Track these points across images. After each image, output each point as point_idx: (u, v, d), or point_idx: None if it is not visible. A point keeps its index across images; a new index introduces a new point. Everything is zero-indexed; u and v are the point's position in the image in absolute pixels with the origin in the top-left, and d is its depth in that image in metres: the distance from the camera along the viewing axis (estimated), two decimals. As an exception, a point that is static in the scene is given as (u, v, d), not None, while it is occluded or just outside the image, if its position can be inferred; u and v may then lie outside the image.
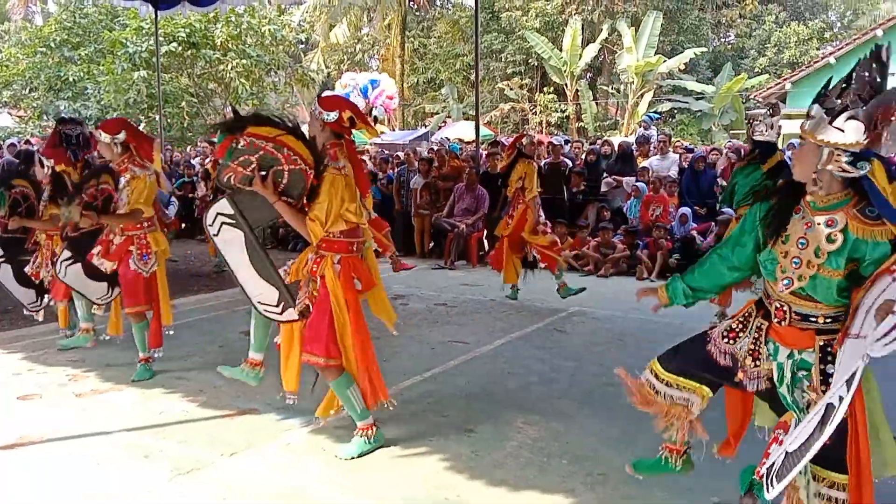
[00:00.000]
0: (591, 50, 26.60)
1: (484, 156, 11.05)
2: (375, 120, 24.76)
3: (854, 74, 2.13)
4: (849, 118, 2.09)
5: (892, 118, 2.09)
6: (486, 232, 10.03)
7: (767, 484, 2.26)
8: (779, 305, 2.32)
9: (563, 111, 28.40)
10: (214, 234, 3.65)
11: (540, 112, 28.65)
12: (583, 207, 10.00)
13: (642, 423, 2.63)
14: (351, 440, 3.55)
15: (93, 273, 4.71)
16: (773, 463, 2.27)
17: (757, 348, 2.38)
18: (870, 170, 2.11)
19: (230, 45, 20.28)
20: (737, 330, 2.45)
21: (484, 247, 10.13)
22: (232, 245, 3.65)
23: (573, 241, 9.15)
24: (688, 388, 2.51)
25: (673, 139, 14.79)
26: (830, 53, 21.28)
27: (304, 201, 3.40)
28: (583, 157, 10.96)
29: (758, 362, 2.38)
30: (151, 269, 4.65)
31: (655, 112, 24.24)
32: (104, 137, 4.50)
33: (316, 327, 3.45)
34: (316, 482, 3.24)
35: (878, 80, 2.10)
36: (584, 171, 10.17)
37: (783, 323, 2.32)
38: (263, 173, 3.32)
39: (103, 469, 3.38)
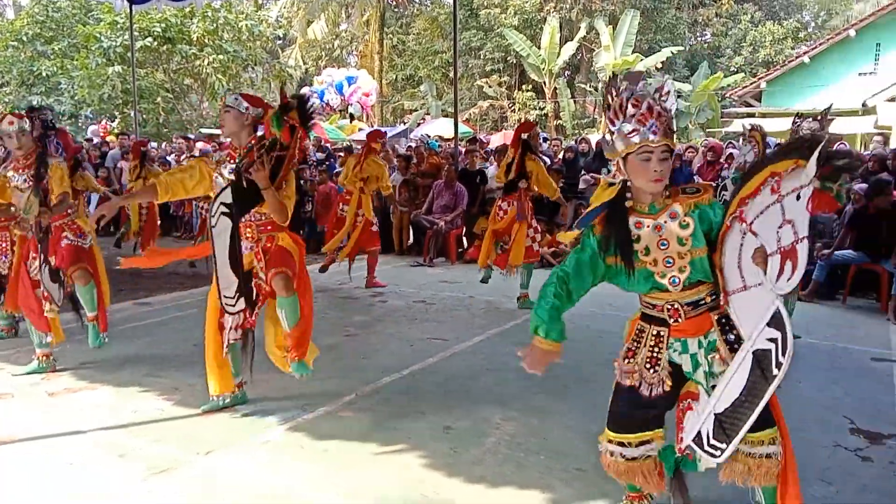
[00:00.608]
0: (570, 48, 26.69)
1: (463, 153, 11.05)
2: (352, 117, 24.66)
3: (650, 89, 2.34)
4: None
5: None
6: (464, 229, 10.05)
7: (709, 451, 2.38)
8: (669, 307, 2.43)
9: (541, 109, 28.49)
10: (213, 226, 3.66)
11: (518, 109, 28.73)
12: (561, 205, 10.01)
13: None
14: (296, 364, 3.91)
15: (52, 274, 4.62)
16: (701, 430, 2.39)
17: (655, 355, 2.47)
18: None
19: (206, 41, 20.13)
20: (633, 349, 2.53)
21: (463, 244, 10.14)
22: (222, 235, 3.68)
23: (551, 238, 9.17)
24: (647, 439, 2.53)
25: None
26: (805, 53, 21.55)
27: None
28: (561, 154, 11.00)
29: (656, 369, 2.46)
30: (89, 243, 4.70)
31: (633, 110, 24.35)
32: (22, 124, 4.44)
33: (285, 257, 3.80)
34: (293, 480, 3.23)
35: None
36: (562, 169, 10.19)
37: (680, 320, 2.43)
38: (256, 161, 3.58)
39: (77, 469, 3.33)
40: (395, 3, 33.07)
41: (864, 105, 17.75)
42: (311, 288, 4.02)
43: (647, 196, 2.39)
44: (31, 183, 4.45)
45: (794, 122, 5.32)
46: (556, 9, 28.25)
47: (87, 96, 19.62)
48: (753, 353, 2.27)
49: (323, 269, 8.01)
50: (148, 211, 8.92)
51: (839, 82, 20.08)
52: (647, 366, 2.47)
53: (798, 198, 2.13)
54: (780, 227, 2.17)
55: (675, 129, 2.39)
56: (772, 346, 2.21)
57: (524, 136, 6.49)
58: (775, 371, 2.21)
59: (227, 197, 3.64)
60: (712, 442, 2.37)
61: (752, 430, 2.34)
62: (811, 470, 3.35)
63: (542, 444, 3.61)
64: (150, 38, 18.94)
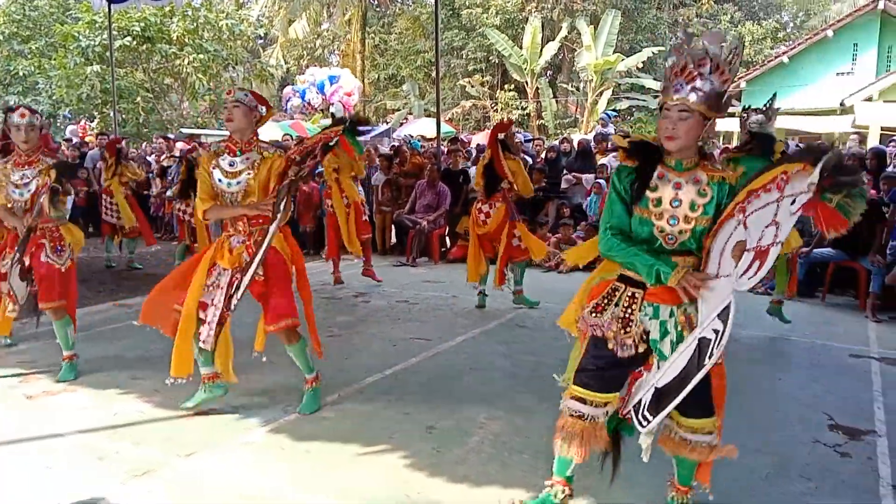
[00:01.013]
0: (551, 48, 26.76)
1: (445, 152, 11.05)
2: (333, 117, 24.56)
3: (691, 52, 2.36)
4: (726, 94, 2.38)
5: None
6: (447, 229, 10.05)
7: (640, 419, 2.47)
8: None
9: (523, 108, 28.54)
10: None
11: (501, 109, 28.74)
12: (543, 204, 10.06)
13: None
14: (305, 397, 4.02)
15: (22, 273, 4.53)
16: (641, 399, 2.46)
17: (627, 316, 2.50)
18: None
19: (186, 40, 19.95)
20: (603, 304, 2.57)
21: (446, 243, 10.14)
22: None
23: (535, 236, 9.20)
24: (609, 400, 2.57)
25: (631, 136, 14.97)
26: (784, 53, 21.75)
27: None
28: (543, 154, 11.03)
29: (627, 329, 2.49)
30: (66, 261, 4.54)
31: (614, 110, 24.49)
32: (33, 119, 4.41)
33: (284, 294, 3.81)
34: (275, 481, 3.21)
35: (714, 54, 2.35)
36: (544, 169, 10.23)
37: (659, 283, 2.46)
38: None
39: (55, 472, 3.29)
40: (376, 2, 33.02)
41: (841, 104, 17.96)
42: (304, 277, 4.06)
43: (674, 154, 2.43)
44: (27, 181, 4.40)
45: (741, 116, 5.37)
46: (537, 9, 28.30)
47: (65, 96, 19.40)
48: (699, 340, 2.33)
49: (337, 282, 7.91)
50: (133, 206, 8.88)
51: (817, 82, 20.31)
52: (619, 325, 2.50)
53: (793, 202, 2.18)
54: (767, 226, 2.22)
55: (721, 91, 2.35)
56: (713, 336, 2.29)
57: (500, 135, 6.41)
58: (706, 361, 2.28)
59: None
60: (645, 413, 2.44)
61: (694, 416, 2.45)
62: (791, 466, 3.38)
63: (527, 443, 3.61)
64: (129, 38, 18.75)
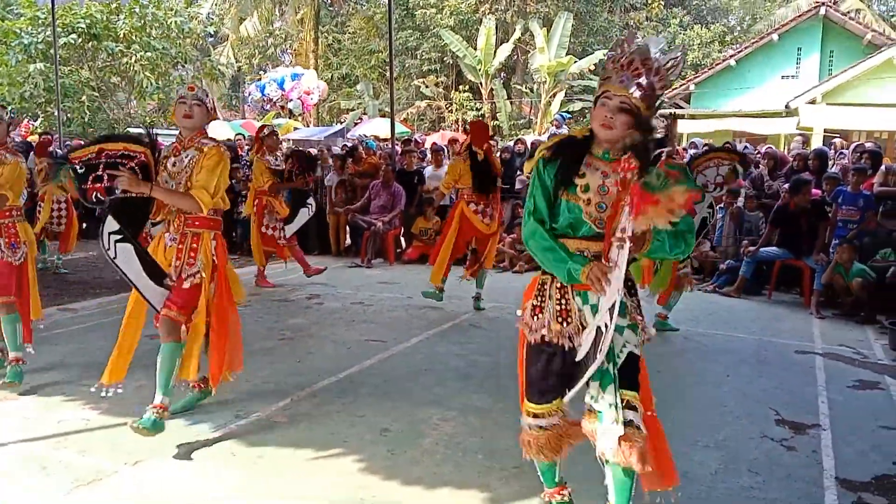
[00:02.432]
0: (505, 49, 26.93)
1: (400, 153, 11.02)
2: (291, 113, 24.32)
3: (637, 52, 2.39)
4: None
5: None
6: (402, 229, 10.02)
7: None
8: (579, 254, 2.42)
9: (478, 109, 28.64)
10: (114, 257, 3.52)
11: (456, 110, 28.81)
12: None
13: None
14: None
15: None
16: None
17: (564, 307, 2.48)
18: None
19: (134, 38, 19.48)
20: (540, 304, 2.54)
21: (401, 244, 10.11)
22: (129, 260, 3.54)
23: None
24: (555, 409, 2.54)
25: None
26: (731, 56, 22.23)
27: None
28: (498, 155, 11.08)
29: (568, 320, 2.46)
30: (21, 258, 4.44)
31: (567, 111, 24.77)
32: None
33: (186, 294, 3.63)
34: (225, 487, 3.15)
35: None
36: (498, 169, 10.27)
37: None
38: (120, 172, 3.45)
39: (-5, 484, 3.18)
40: (329, 1, 32.78)
41: (786, 107, 18.45)
42: (227, 288, 3.81)
43: (603, 143, 2.43)
44: None
45: None
46: (491, 10, 28.45)
47: (6, 94, 18.78)
48: (596, 329, 2.32)
49: (313, 273, 7.97)
50: (67, 212, 8.58)
51: (763, 85, 20.82)
52: (559, 319, 2.47)
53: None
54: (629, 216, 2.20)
55: (658, 94, 2.38)
56: (604, 330, 2.27)
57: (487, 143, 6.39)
58: (598, 355, 2.27)
59: (113, 225, 3.50)
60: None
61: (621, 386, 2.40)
62: (740, 460, 3.46)
63: (481, 444, 3.62)
64: (73, 35, 18.25)
